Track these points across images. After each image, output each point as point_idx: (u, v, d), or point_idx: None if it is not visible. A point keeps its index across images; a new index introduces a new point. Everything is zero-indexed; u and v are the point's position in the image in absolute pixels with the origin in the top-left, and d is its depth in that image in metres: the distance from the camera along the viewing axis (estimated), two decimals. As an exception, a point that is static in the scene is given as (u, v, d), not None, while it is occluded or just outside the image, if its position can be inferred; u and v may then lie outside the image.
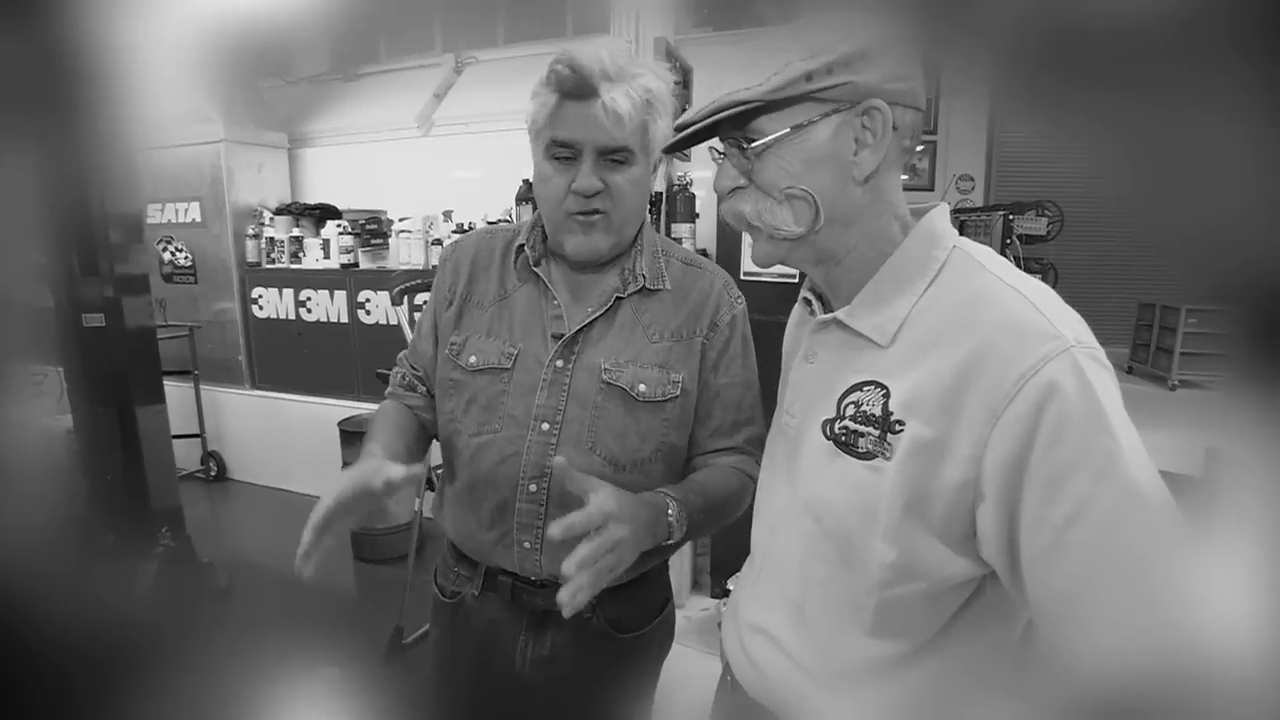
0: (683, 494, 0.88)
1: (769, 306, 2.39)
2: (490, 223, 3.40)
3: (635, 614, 1.03)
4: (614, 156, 0.89)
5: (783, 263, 0.71)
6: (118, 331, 2.61)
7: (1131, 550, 0.53)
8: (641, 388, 0.94)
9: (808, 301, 0.77)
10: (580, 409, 0.93)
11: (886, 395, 0.64)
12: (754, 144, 0.66)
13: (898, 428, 0.62)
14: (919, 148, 0.72)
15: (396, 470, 0.82)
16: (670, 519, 0.84)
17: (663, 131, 0.92)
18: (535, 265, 0.98)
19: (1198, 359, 5.36)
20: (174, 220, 4.05)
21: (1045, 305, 0.59)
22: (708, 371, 0.98)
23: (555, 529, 0.72)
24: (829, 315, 0.71)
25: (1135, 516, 0.53)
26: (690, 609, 2.54)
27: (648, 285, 0.96)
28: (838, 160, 0.64)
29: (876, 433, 0.64)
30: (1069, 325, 0.58)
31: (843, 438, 0.67)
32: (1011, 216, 2.13)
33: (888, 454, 0.63)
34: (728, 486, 0.96)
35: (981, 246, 0.68)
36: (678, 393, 0.95)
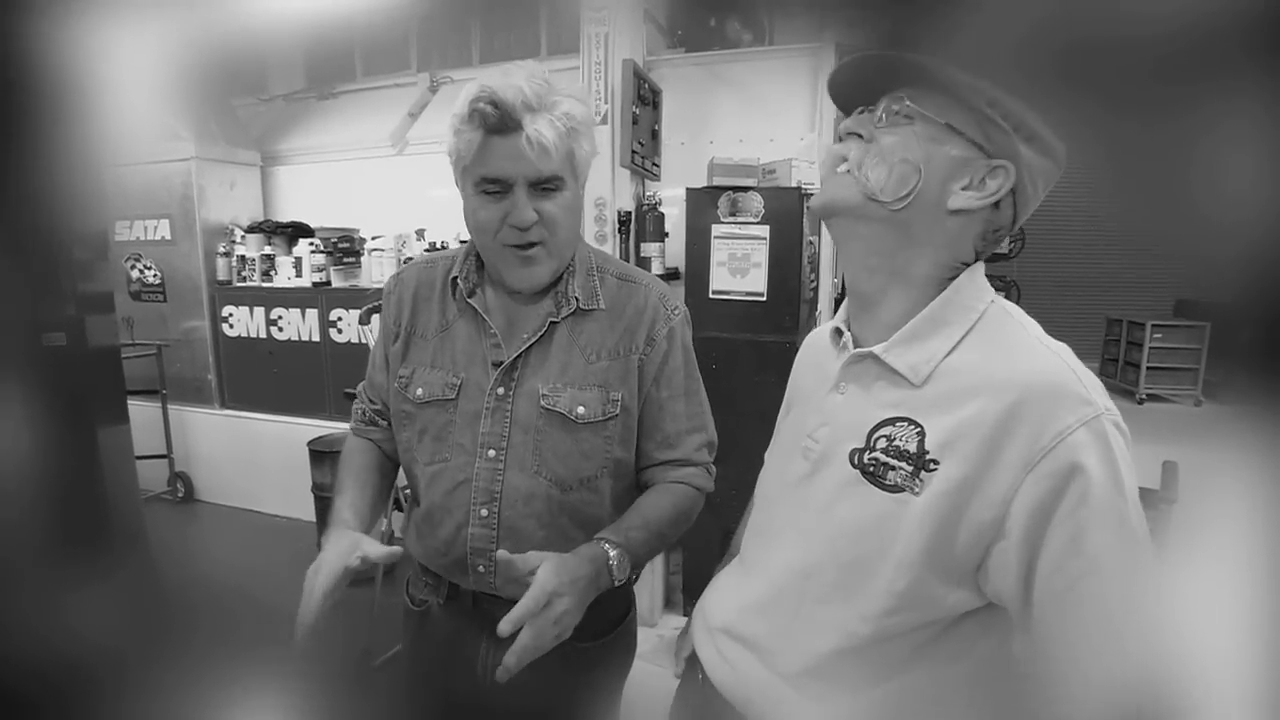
0: (623, 535, 0.90)
1: (737, 325, 2.43)
2: (462, 241, 3.40)
3: (596, 623, 1.03)
4: (545, 185, 0.90)
5: (839, 229, 0.75)
6: (79, 351, 2.56)
7: (1132, 595, 0.60)
8: (580, 410, 0.95)
9: (839, 332, 0.80)
10: (524, 434, 0.95)
11: (921, 434, 0.67)
12: (909, 103, 0.69)
13: (932, 466, 0.66)
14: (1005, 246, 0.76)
15: (373, 550, 0.87)
16: (612, 567, 0.87)
17: (586, 152, 0.94)
18: (469, 296, 0.99)
19: (1164, 373, 5.49)
20: (143, 238, 4.00)
21: (1078, 369, 0.64)
22: (649, 386, 0.99)
23: (504, 625, 0.76)
24: (864, 350, 0.74)
25: (1136, 567, 0.60)
26: (662, 628, 2.53)
27: (581, 306, 0.98)
28: (945, 180, 0.68)
29: (909, 468, 0.67)
30: (1097, 391, 0.63)
31: (871, 468, 0.70)
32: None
33: (917, 489, 0.66)
34: (674, 508, 0.98)
35: (1015, 306, 0.73)
36: (618, 411, 0.97)
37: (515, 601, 0.99)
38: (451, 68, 4.04)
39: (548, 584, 0.79)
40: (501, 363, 0.96)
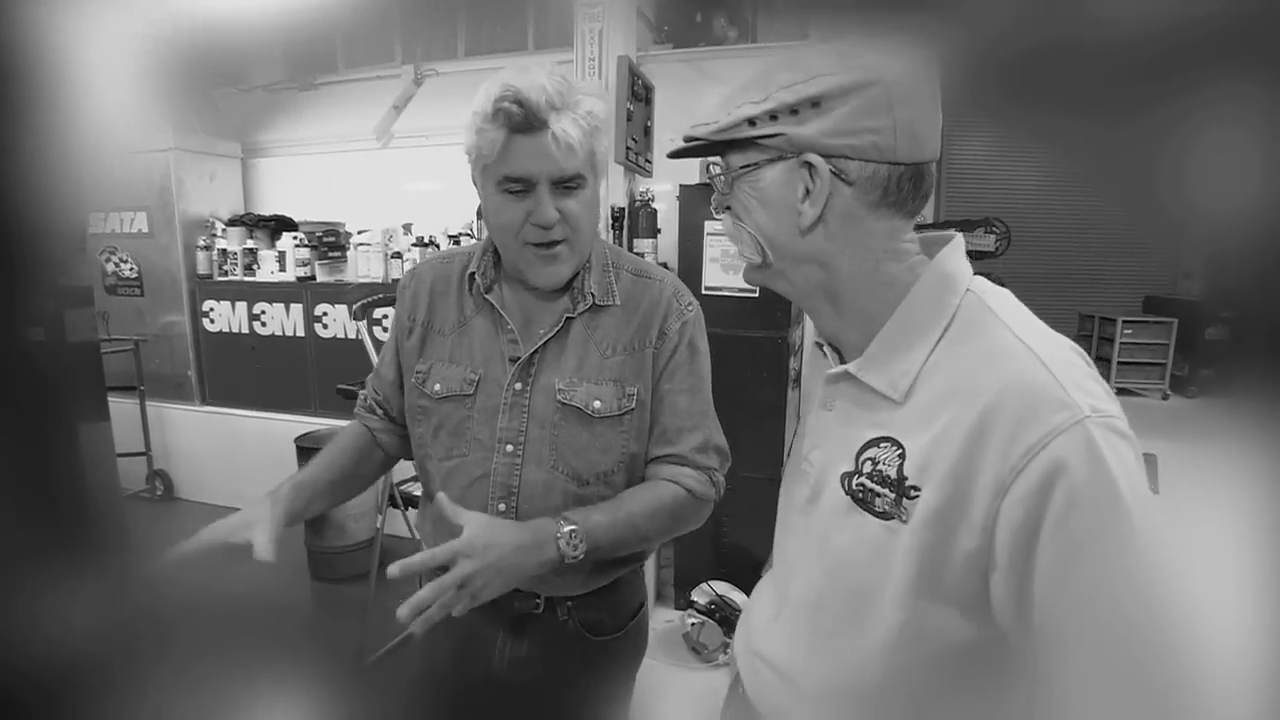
0: (583, 515, 0.90)
1: (729, 320, 2.45)
2: (451, 236, 3.38)
3: (609, 618, 1.05)
4: (568, 184, 0.91)
5: (766, 286, 0.72)
6: (59, 346, 2.51)
7: (1148, 617, 0.52)
8: (597, 404, 0.96)
9: (820, 346, 0.77)
10: (541, 429, 0.96)
11: (902, 456, 0.61)
12: (717, 175, 0.69)
13: (913, 493, 0.60)
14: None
15: (259, 540, 0.84)
16: (559, 542, 0.86)
17: (605, 150, 0.95)
18: (487, 292, 0.99)
19: (1133, 368, 5.64)
20: (118, 230, 3.91)
21: (1059, 366, 0.56)
22: (657, 379, 1.00)
23: (394, 568, 0.77)
24: (841, 369, 0.69)
25: (1141, 606, 0.52)
26: (655, 621, 2.55)
27: (597, 302, 0.98)
28: (787, 205, 0.64)
29: (892, 495, 0.62)
30: (1084, 390, 0.55)
31: (860, 494, 0.65)
32: (960, 234, 2.22)
33: (904, 517, 0.61)
34: (653, 502, 0.96)
35: (998, 289, 0.66)
36: (633, 405, 0.97)
37: (534, 596, 0.99)
38: (437, 60, 4.00)
39: (456, 544, 0.80)
40: (519, 358, 0.97)
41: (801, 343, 2.69)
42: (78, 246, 2.58)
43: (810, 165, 0.62)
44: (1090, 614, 0.53)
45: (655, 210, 2.63)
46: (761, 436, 2.44)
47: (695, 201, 2.41)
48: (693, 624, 2.37)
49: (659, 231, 2.65)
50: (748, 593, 2.47)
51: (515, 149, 0.88)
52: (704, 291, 2.43)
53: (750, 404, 2.42)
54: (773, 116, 0.62)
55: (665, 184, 2.98)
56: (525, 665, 1.02)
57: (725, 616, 2.37)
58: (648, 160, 2.74)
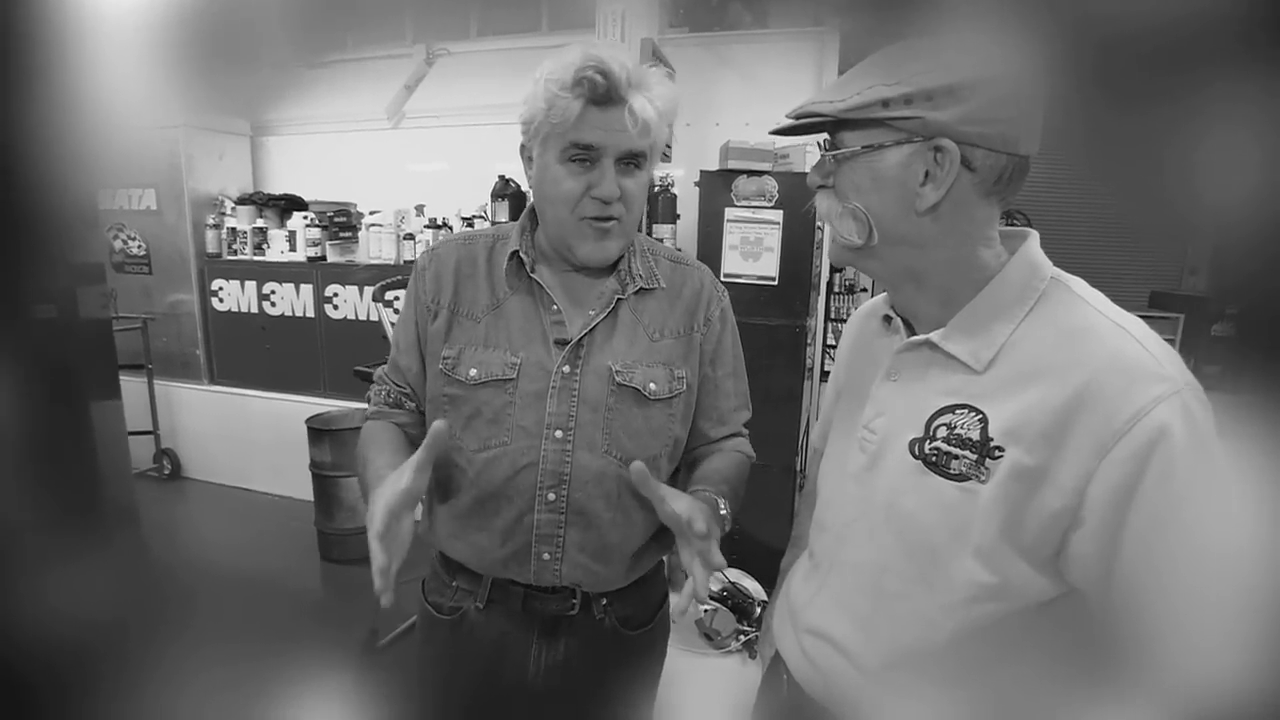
0: (716, 489, 0.92)
1: (747, 308, 2.44)
2: (464, 218, 3.35)
3: (641, 611, 1.04)
4: (631, 161, 0.90)
5: (853, 266, 0.75)
6: (71, 323, 2.49)
7: (1230, 572, 0.58)
8: (653, 386, 0.95)
9: (888, 319, 0.79)
10: (592, 413, 0.93)
11: (984, 421, 0.65)
12: (832, 153, 0.70)
13: (997, 453, 0.64)
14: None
15: (416, 458, 0.82)
16: (724, 514, 0.89)
17: (664, 137, 0.94)
18: (532, 272, 0.96)
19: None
20: (126, 207, 3.87)
21: (1150, 343, 0.61)
22: (705, 365, 1.01)
23: (716, 558, 0.78)
24: (920, 337, 0.72)
25: (1238, 551, 0.58)
26: (667, 606, 2.55)
27: (644, 285, 0.98)
28: (903, 187, 0.66)
29: (973, 456, 0.65)
30: (1174, 364, 0.60)
31: (933, 458, 0.68)
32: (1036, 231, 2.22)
33: (983, 477, 0.64)
34: (739, 470, 1.02)
35: (1075, 278, 0.70)
36: (683, 388, 0.98)
37: (570, 595, 0.96)
38: (449, 40, 3.95)
39: (686, 502, 0.82)
40: (566, 340, 0.94)
41: (815, 331, 2.68)
42: (89, 222, 2.54)
43: (939, 150, 0.64)
44: (1189, 561, 0.58)
45: (675, 196, 2.61)
46: (777, 425, 2.44)
47: (715, 188, 2.39)
48: (705, 610, 2.38)
49: (678, 217, 2.63)
50: (760, 579, 2.47)
51: (588, 119, 0.87)
52: (722, 278, 2.41)
53: (766, 392, 2.41)
54: (908, 101, 0.64)
55: (679, 169, 2.96)
56: (563, 670, 0.98)
57: (737, 603, 2.38)
58: (668, 145, 2.72)
